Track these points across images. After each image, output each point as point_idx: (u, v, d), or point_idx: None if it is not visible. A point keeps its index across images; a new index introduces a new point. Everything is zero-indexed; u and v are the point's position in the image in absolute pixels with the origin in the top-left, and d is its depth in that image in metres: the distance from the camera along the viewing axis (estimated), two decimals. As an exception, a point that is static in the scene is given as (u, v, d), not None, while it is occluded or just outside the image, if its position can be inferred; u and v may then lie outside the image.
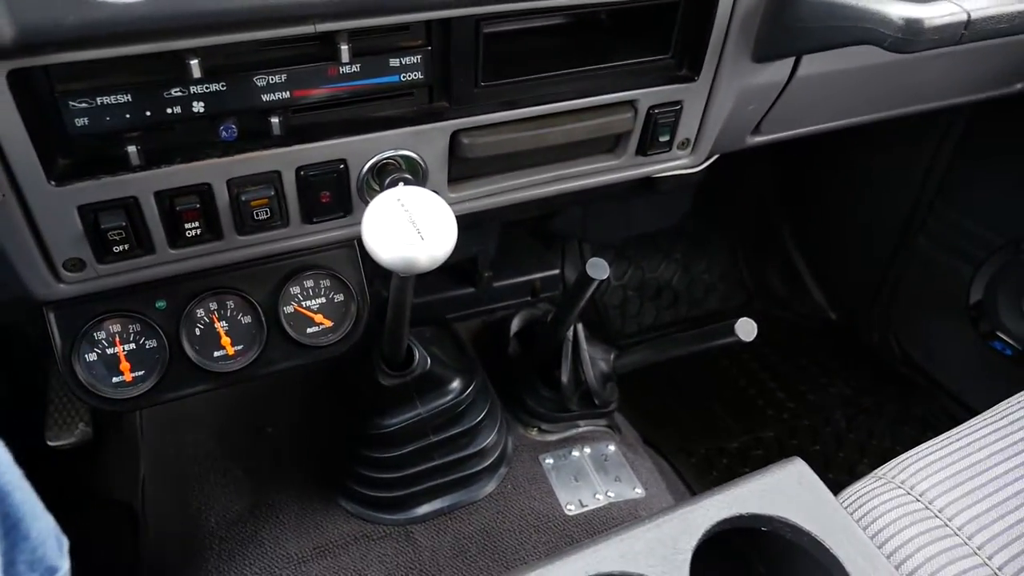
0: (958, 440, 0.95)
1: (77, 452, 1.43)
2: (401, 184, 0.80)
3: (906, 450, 0.94)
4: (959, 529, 0.84)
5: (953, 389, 1.80)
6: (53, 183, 0.69)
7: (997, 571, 0.80)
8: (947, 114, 1.67)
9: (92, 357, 0.82)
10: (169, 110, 0.71)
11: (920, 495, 0.88)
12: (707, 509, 0.76)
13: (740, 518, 0.76)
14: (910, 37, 0.77)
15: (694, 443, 1.73)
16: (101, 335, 0.82)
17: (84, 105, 0.68)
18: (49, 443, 1.38)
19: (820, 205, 2.09)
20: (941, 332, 1.83)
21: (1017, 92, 1.32)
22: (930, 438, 0.96)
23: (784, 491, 0.80)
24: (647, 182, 1.40)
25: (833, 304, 2.11)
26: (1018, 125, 1.54)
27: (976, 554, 0.82)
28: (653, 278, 2.06)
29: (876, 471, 0.94)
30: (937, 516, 0.85)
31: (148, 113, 0.70)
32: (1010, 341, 1.62)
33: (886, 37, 0.78)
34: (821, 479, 0.80)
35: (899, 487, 0.89)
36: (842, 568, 0.73)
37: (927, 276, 1.85)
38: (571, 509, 1.16)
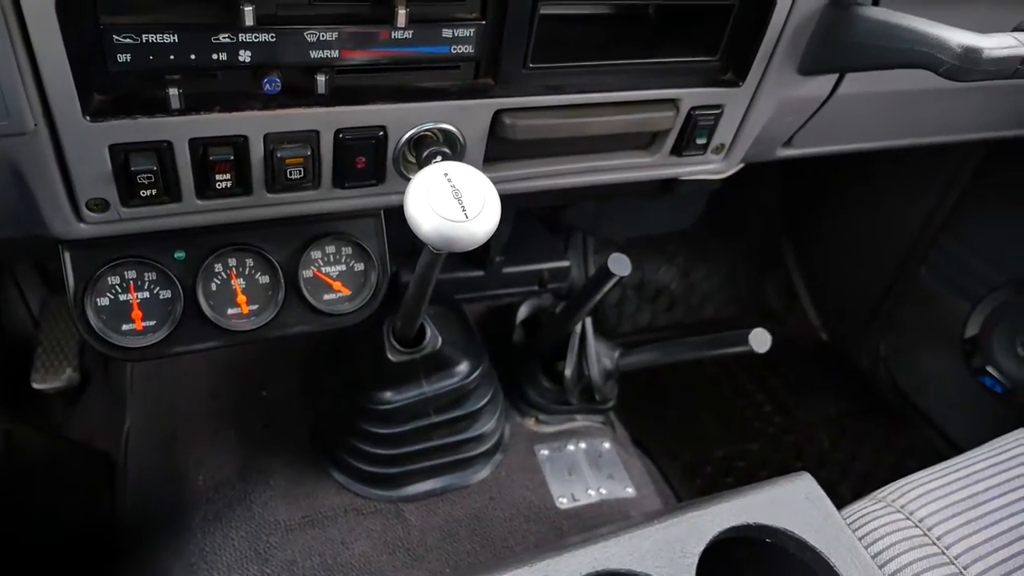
0: (957, 471, 0.96)
1: (61, 397, 1.40)
2: (440, 158, 0.79)
3: (887, 477, 0.95)
4: (956, 558, 0.84)
5: (938, 421, 1.83)
6: (88, 118, 0.66)
7: (991, 603, 0.81)
8: (964, 149, 1.68)
9: (104, 302, 0.79)
10: (215, 56, 0.68)
11: (919, 521, 0.88)
12: (714, 515, 0.76)
13: (747, 527, 0.76)
14: (967, 66, 0.76)
15: (680, 447, 1.74)
16: (115, 280, 0.79)
17: (128, 41, 0.65)
18: (34, 385, 1.35)
19: (825, 226, 2.10)
20: (932, 364, 1.85)
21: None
22: (911, 467, 0.97)
23: (791, 505, 0.80)
24: (666, 184, 1.39)
25: (826, 325, 2.13)
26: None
27: (971, 584, 0.83)
28: (653, 280, 2.07)
29: (875, 493, 0.94)
30: (935, 543, 0.86)
31: (193, 57, 0.68)
32: (1001, 378, 1.64)
33: (942, 63, 0.78)
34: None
35: (899, 511, 0.90)
36: (845, 587, 0.73)
37: (923, 307, 1.86)
38: (563, 502, 1.15)
